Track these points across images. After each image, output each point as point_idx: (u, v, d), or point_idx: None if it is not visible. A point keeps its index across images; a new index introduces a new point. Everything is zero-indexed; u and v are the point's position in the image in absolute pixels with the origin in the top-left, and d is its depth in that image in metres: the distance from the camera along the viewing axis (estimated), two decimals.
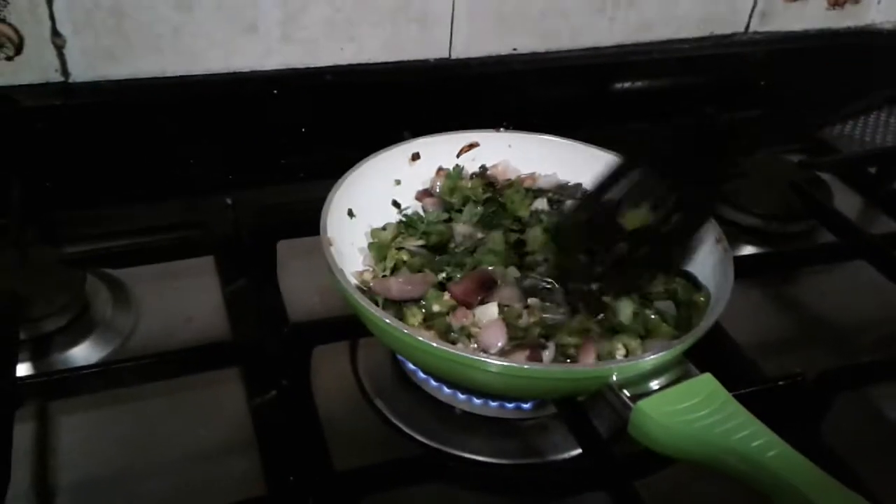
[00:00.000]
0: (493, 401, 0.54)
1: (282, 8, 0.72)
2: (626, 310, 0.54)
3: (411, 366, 0.56)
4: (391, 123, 0.72)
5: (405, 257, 0.58)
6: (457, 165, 0.66)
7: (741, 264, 0.54)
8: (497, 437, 0.54)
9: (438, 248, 0.60)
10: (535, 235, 0.60)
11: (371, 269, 0.58)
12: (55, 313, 0.58)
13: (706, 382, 0.46)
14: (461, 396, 0.54)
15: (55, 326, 0.58)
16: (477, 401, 0.54)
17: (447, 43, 0.80)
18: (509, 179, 0.66)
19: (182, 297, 0.63)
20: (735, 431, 0.43)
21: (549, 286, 0.56)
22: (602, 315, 0.54)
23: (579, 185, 0.65)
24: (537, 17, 0.81)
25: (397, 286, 0.55)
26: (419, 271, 0.57)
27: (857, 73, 0.97)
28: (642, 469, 0.52)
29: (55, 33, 0.66)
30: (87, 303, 0.60)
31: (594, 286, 0.55)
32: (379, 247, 0.59)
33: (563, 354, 0.51)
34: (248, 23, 0.71)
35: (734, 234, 0.70)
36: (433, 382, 0.55)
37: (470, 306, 0.54)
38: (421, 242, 0.60)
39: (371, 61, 0.78)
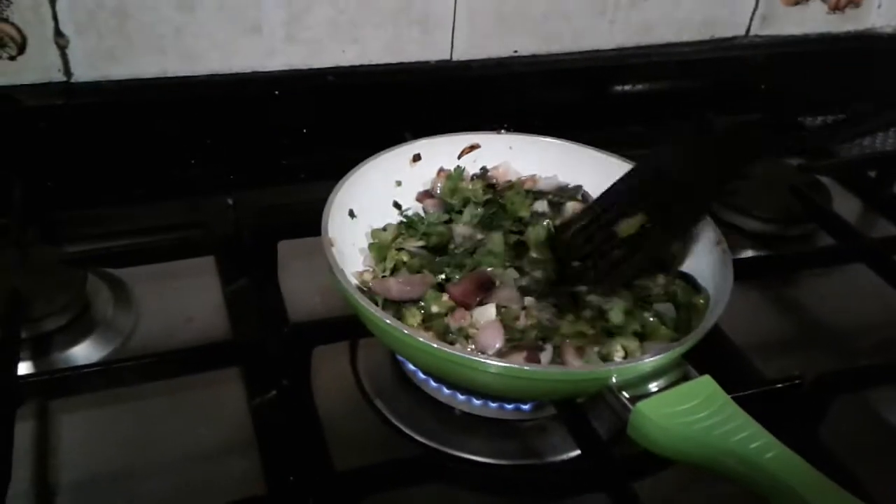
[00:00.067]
0: (493, 402, 0.54)
1: (286, 9, 0.72)
2: (618, 310, 0.53)
3: (411, 366, 0.56)
4: (392, 124, 0.72)
5: (405, 258, 0.58)
6: (458, 167, 0.66)
7: (740, 267, 0.55)
8: (496, 438, 0.54)
9: (438, 249, 0.60)
10: (535, 236, 0.60)
11: (371, 269, 0.58)
12: (56, 312, 0.58)
13: (705, 384, 0.46)
14: (461, 397, 0.54)
15: (56, 325, 0.58)
16: (476, 402, 0.54)
17: (448, 45, 0.80)
18: (510, 181, 0.66)
19: (183, 297, 0.63)
20: (734, 433, 0.43)
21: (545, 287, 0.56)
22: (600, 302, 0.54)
23: (579, 187, 0.65)
24: (538, 19, 0.82)
25: (397, 287, 0.55)
26: (419, 272, 0.57)
27: (857, 77, 0.97)
28: (641, 470, 0.52)
29: (58, 33, 0.66)
30: (87, 302, 0.61)
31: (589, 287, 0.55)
32: (379, 247, 0.59)
33: (559, 357, 0.51)
34: (251, 24, 0.71)
35: (734, 237, 0.71)
36: (433, 383, 0.55)
37: (468, 307, 0.54)
38: (421, 243, 0.60)
39: (373, 63, 0.78)
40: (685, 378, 0.47)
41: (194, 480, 0.50)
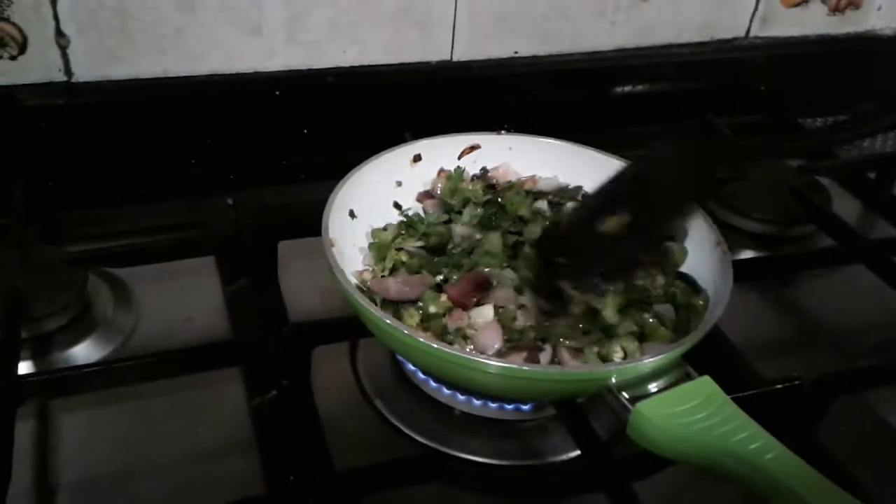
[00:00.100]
0: (493, 402, 0.54)
1: (287, 10, 0.72)
2: (611, 308, 0.53)
3: (411, 366, 0.56)
4: (393, 125, 0.72)
5: (404, 258, 0.58)
6: (458, 167, 0.66)
7: (740, 268, 0.55)
8: (496, 438, 0.54)
9: (437, 250, 0.60)
10: (532, 236, 0.60)
11: (371, 268, 0.59)
12: (56, 312, 0.58)
13: (705, 385, 0.46)
14: (461, 397, 0.54)
15: (56, 325, 0.58)
16: (476, 402, 0.54)
17: (449, 45, 0.80)
18: (510, 182, 0.66)
19: (183, 297, 0.64)
20: (733, 434, 0.43)
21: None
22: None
23: (579, 187, 0.65)
24: (538, 20, 0.82)
25: (396, 287, 0.55)
26: (417, 272, 0.57)
27: (857, 79, 0.98)
28: (641, 471, 0.52)
29: (59, 33, 0.66)
30: (88, 302, 0.61)
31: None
32: (379, 247, 0.59)
33: (558, 357, 0.51)
34: (251, 24, 0.72)
35: (733, 238, 0.70)
36: (433, 383, 0.55)
37: (465, 308, 0.54)
38: (420, 243, 0.60)
39: (373, 63, 0.78)
40: (685, 379, 0.47)
41: (194, 480, 0.50)
